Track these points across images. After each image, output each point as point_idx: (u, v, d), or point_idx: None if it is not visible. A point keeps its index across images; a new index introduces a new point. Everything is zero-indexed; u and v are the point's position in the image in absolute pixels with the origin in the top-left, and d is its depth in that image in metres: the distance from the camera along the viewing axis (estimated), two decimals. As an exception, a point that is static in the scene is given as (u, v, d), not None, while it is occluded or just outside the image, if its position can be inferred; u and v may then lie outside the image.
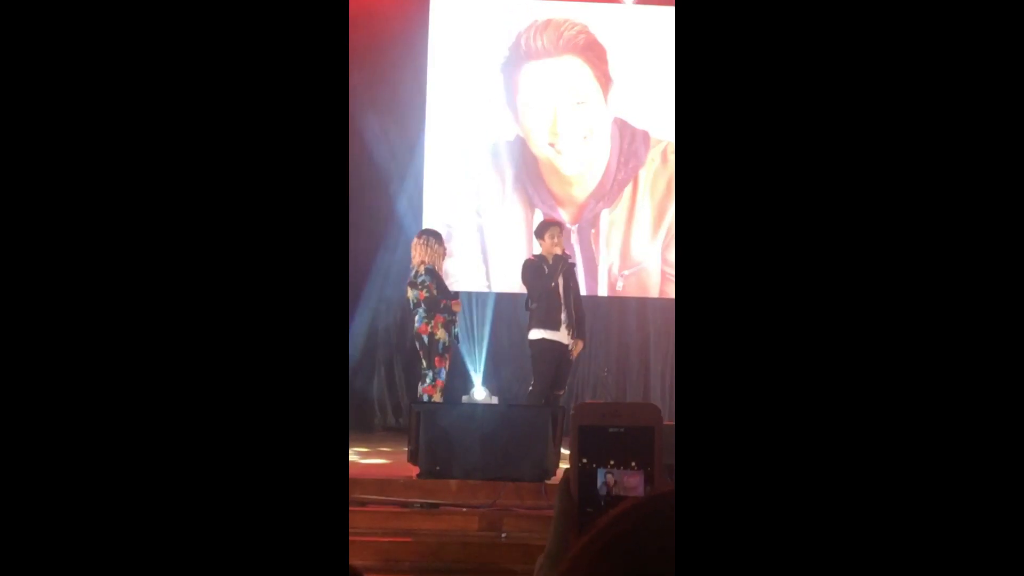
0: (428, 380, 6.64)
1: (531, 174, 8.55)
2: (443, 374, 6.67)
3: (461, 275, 8.34)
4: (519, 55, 8.57)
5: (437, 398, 6.57)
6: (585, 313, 6.85)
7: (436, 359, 6.63)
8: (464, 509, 5.30)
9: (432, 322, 6.61)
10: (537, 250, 6.76)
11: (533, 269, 6.60)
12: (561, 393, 6.75)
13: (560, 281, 6.53)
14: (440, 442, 5.54)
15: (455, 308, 6.74)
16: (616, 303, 8.68)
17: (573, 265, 6.83)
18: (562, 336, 6.54)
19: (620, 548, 0.72)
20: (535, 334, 6.57)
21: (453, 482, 5.49)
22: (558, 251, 6.55)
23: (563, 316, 6.52)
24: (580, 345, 6.74)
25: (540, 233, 6.69)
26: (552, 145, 8.51)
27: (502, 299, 8.36)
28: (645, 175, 8.56)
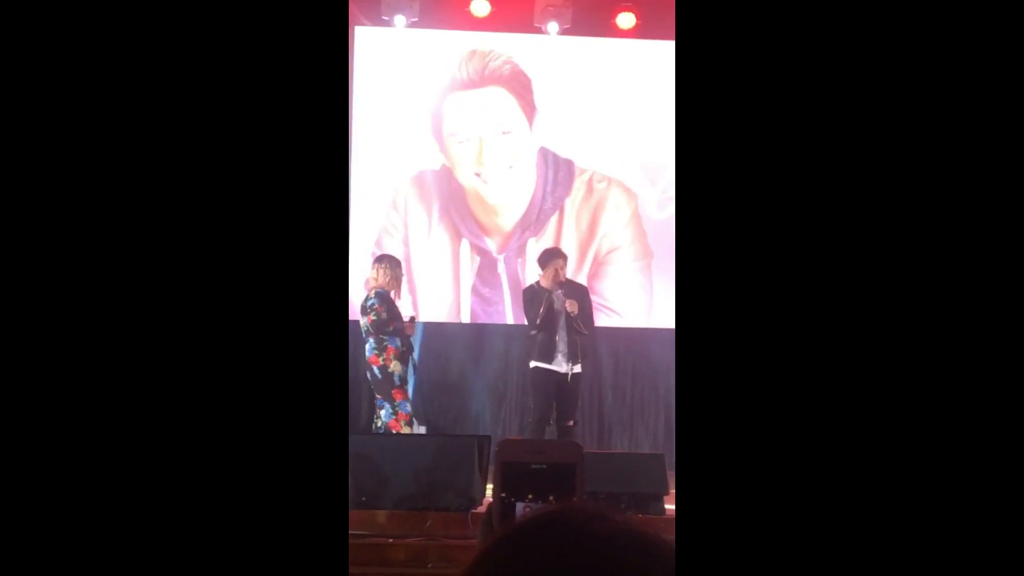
0: (385, 414, 6.50)
1: (457, 204, 8.54)
2: (406, 406, 6.53)
3: (388, 305, 8.26)
4: (444, 85, 8.58)
5: (405, 431, 6.46)
6: (589, 341, 6.79)
7: (395, 392, 6.51)
8: (390, 540, 5.25)
9: (384, 354, 6.50)
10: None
11: (527, 296, 6.70)
12: (571, 424, 6.60)
13: (563, 310, 6.52)
14: (366, 473, 5.48)
15: (408, 331, 6.61)
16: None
17: (582, 292, 6.79)
18: (558, 366, 6.53)
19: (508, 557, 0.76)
20: (532, 363, 6.63)
21: (380, 513, 5.43)
22: (550, 281, 6.59)
23: (560, 345, 6.52)
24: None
25: (541, 263, 6.74)
26: (478, 175, 8.52)
27: (429, 329, 8.32)
28: (571, 204, 8.60)
